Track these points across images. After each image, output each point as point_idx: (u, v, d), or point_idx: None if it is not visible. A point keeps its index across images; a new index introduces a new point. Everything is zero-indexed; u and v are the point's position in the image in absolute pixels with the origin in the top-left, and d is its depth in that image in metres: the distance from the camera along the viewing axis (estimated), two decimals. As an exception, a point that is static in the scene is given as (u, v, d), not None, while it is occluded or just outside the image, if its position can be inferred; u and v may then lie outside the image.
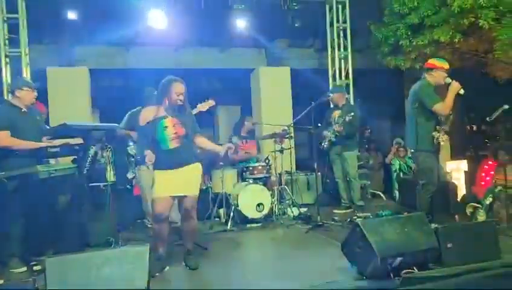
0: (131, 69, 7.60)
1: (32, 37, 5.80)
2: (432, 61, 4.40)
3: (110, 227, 4.18)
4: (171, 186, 3.35)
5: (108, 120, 6.50)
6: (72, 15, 5.86)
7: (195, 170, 3.46)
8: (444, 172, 6.51)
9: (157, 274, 3.25)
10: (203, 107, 4.31)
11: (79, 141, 3.68)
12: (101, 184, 3.98)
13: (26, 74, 5.54)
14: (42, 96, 5.19)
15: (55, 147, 3.57)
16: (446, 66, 4.34)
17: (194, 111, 4.28)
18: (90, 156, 3.53)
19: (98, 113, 8.63)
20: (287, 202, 5.64)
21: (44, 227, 3.81)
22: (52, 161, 4.12)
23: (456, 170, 6.73)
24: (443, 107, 4.12)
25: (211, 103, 4.32)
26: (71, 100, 6.52)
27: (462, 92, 4.12)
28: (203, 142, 3.60)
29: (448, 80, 4.22)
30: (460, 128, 10.53)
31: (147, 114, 3.44)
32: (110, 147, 3.89)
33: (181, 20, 6.35)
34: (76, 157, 3.69)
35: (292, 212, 5.49)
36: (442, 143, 4.24)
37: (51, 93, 6.38)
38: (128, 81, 8.61)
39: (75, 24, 5.96)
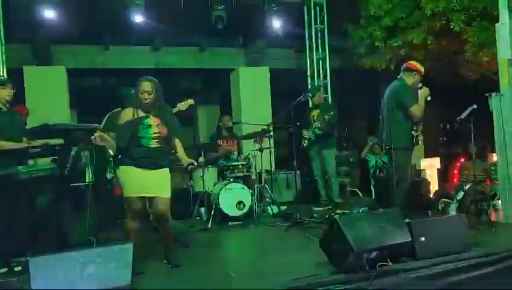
0: (110, 69, 7.57)
1: (8, 35, 5.70)
2: (414, 64, 4.56)
3: (90, 227, 4.18)
4: (144, 186, 3.35)
5: (87, 120, 6.45)
6: (49, 13, 5.78)
7: (167, 173, 3.49)
8: (418, 169, 6.76)
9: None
10: (182, 106, 4.37)
11: (59, 141, 3.68)
12: (82, 184, 3.97)
13: (3, 73, 5.45)
14: (19, 96, 5.13)
15: (36, 147, 3.56)
16: (423, 70, 4.53)
17: (174, 110, 4.33)
18: (71, 156, 3.53)
19: (76, 113, 8.52)
20: (267, 200, 5.74)
21: (24, 228, 3.78)
22: (30, 161, 4.09)
23: (429, 167, 6.99)
24: (419, 109, 4.31)
25: (190, 102, 4.38)
26: (49, 100, 6.47)
27: (429, 98, 4.32)
28: (178, 145, 3.64)
29: (420, 84, 4.41)
30: (434, 126, 10.88)
31: (127, 114, 3.45)
32: (90, 147, 3.89)
33: (161, 20, 6.37)
34: (56, 157, 3.68)
35: (272, 210, 5.60)
36: (420, 143, 4.43)
37: (28, 93, 6.29)
38: (107, 81, 8.56)
39: (52, 22, 5.88)
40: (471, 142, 4.65)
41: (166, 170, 3.49)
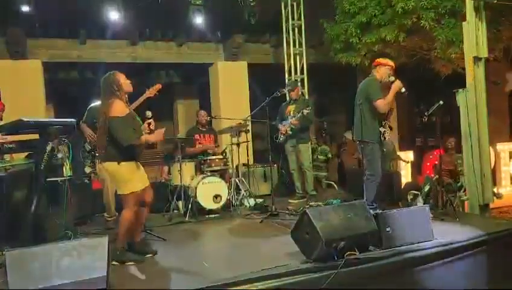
0: (86, 63, 7.51)
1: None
2: (378, 60, 4.78)
3: (67, 221, 4.23)
4: (145, 177, 3.62)
5: (63, 114, 6.42)
6: (25, 6, 5.71)
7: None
8: (394, 162, 6.97)
9: (149, 255, 3.61)
10: (150, 92, 4.44)
11: (35, 136, 3.70)
12: (58, 179, 4.00)
13: (-24, 67, 5.39)
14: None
15: (11, 143, 3.58)
16: (390, 63, 4.69)
17: (143, 97, 4.41)
18: (47, 151, 3.56)
19: (52, 108, 8.45)
20: (243, 193, 5.85)
21: (1, 222, 3.82)
22: (6, 157, 4.10)
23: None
24: (383, 103, 4.46)
25: (157, 87, 4.45)
26: (24, 94, 6.41)
27: (403, 90, 4.47)
28: None
29: (392, 78, 4.56)
30: (409, 120, 11.17)
31: (123, 106, 3.49)
32: (67, 142, 3.92)
33: (138, 13, 6.36)
34: (32, 152, 3.71)
35: (249, 203, 5.71)
36: (387, 137, 4.60)
37: (3, 88, 6.22)
38: (84, 75, 8.48)
39: (27, 15, 5.81)
40: (438, 136, 4.85)
41: None
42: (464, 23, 4.88)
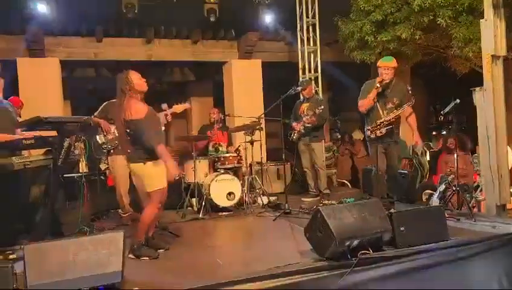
0: (103, 61, 7.61)
1: (2, 27, 5.74)
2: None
3: (84, 217, 4.30)
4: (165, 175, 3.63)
5: (79, 111, 6.53)
6: (42, 5, 5.83)
7: None
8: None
9: (161, 250, 3.66)
10: (178, 108, 4.46)
11: (53, 133, 3.77)
12: (75, 175, 4.08)
13: (-4, 64, 5.50)
14: (14, 88, 5.20)
15: (29, 139, 3.66)
16: (382, 64, 4.67)
17: (170, 111, 4.41)
18: (65, 148, 3.63)
19: (70, 105, 8.59)
20: (257, 191, 5.86)
21: (18, 217, 3.91)
22: (25, 153, 4.19)
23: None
24: (361, 102, 4.65)
25: (186, 106, 4.48)
26: (43, 91, 6.53)
27: (377, 85, 4.53)
28: None
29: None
30: (426, 118, 11.05)
31: (141, 106, 3.52)
32: (83, 139, 3.99)
33: (153, 12, 6.42)
34: (50, 149, 3.78)
35: (262, 200, 5.72)
36: (372, 136, 4.59)
37: (22, 85, 6.35)
38: (100, 73, 8.60)
39: (45, 14, 5.93)
40: (454, 135, 4.79)
41: None
42: (481, 20, 4.79)
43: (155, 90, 4.54)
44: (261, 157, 6.17)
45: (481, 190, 5.11)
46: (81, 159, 4.34)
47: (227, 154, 5.70)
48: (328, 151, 7.59)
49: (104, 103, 4.94)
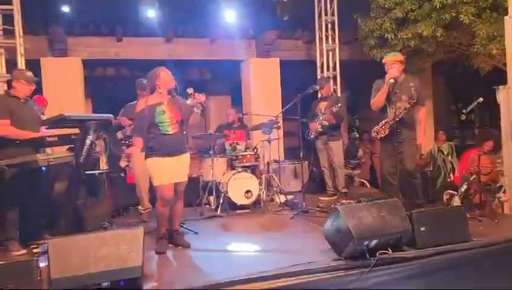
0: (123, 60, 7.72)
1: (26, 28, 5.89)
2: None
3: (104, 213, 4.38)
4: (174, 173, 3.62)
5: (101, 109, 6.63)
6: (65, 6, 5.97)
7: (188, 158, 3.78)
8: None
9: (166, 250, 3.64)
10: (198, 98, 4.45)
11: (75, 131, 3.85)
12: (96, 172, 4.15)
13: (21, 64, 5.64)
14: (37, 87, 5.31)
15: (53, 136, 3.75)
16: (388, 59, 4.61)
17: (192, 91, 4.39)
18: (87, 145, 3.70)
19: (90, 103, 8.76)
20: (274, 189, 5.86)
21: (42, 212, 4.01)
22: (48, 150, 4.29)
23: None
24: (372, 101, 4.55)
25: (202, 98, 4.47)
26: (65, 90, 6.66)
27: (392, 81, 4.39)
28: (193, 119, 3.81)
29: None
30: (447, 117, 10.85)
31: (141, 103, 3.67)
32: (104, 137, 4.06)
33: (172, 11, 6.48)
34: (73, 146, 3.86)
35: (279, 199, 5.72)
36: (377, 136, 4.53)
37: (46, 83, 6.49)
38: (120, 71, 8.73)
39: (68, 14, 6.07)
40: (476, 134, 4.69)
41: (187, 154, 3.76)
42: (505, 17, 4.69)
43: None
44: (279, 156, 6.16)
45: (504, 191, 5.00)
46: (101, 157, 4.41)
47: (245, 153, 5.72)
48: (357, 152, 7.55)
49: (125, 106, 5.05)
